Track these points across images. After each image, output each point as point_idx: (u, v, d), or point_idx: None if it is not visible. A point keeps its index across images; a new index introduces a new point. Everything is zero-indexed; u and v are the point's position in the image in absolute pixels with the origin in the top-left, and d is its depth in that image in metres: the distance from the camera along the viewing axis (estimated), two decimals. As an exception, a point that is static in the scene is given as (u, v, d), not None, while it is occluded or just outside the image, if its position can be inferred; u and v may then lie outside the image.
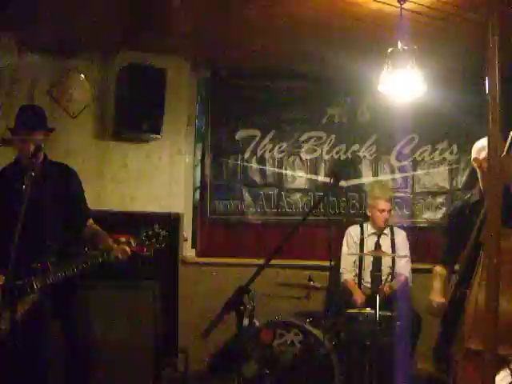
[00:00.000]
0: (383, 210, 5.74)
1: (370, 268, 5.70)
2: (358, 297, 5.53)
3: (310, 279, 5.21)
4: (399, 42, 4.39)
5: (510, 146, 2.93)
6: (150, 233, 3.98)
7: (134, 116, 5.64)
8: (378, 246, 5.67)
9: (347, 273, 5.81)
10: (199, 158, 6.63)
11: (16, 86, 5.56)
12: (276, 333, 4.86)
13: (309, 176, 6.67)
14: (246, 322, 5.58)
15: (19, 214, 3.45)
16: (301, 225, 5.04)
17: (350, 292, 5.63)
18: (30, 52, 5.62)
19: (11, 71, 5.52)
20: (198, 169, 6.63)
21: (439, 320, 3.41)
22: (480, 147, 3.59)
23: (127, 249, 3.94)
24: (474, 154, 3.62)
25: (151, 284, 5.36)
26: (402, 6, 4.46)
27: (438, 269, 3.83)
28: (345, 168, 6.14)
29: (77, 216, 4.22)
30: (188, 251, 6.44)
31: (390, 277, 5.58)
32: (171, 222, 5.88)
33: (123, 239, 3.96)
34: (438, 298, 3.63)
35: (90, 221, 4.28)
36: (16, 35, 5.48)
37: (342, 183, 6.51)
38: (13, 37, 5.49)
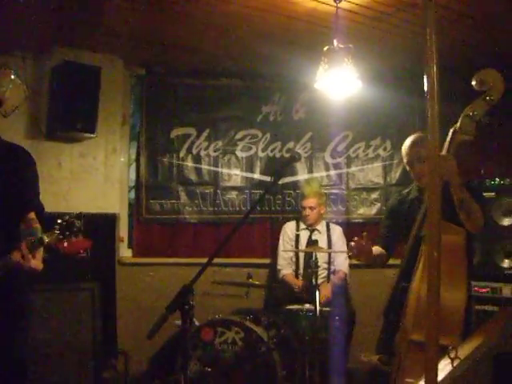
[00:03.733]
0: (306, 207, 5.84)
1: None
2: (297, 283, 5.61)
3: (249, 277, 5.24)
4: (335, 41, 4.43)
5: (449, 143, 3.03)
6: (65, 224, 3.29)
7: (68, 115, 5.51)
8: (310, 241, 5.74)
9: (285, 268, 5.87)
10: (134, 157, 6.56)
11: None
12: (217, 331, 4.86)
13: (244, 174, 6.69)
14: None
15: None
16: (239, 223, 5.17)
17: (290, 285, 5.69)
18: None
19: None
20: (133, 168, 6.56)
21: (382, 313, 3.47)
22: (409, 145, 3.72)
23: (24, 253, 3.29)
24: (404, 154, 3.74)
25: (89, 285, 5.29)
26: (338, 5, 4.51)
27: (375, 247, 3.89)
28: (287, 166, 6.16)
29: (16, 207, 3.65)
30: (125, 251, 6.37)
31: (326, 273, 5.68)
32: (107, 222, 5.84)
33: (23, 245, 3.30)
34: None
35: (31, 215, 3.67)
36: None
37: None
38: None
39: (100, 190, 6.02)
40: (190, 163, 6.57)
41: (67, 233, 3.27)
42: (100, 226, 5.69)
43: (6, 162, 3.63)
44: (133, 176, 6.56)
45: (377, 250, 3.83)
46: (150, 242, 6.55)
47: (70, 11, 4.96)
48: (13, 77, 5.48)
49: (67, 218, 3.29)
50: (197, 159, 6.59)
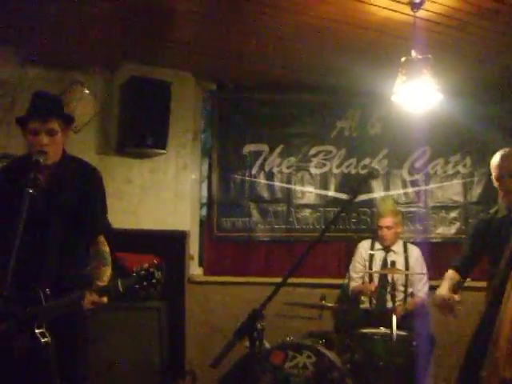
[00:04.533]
0: (383, 227, 5.61)
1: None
2: (368, 288, 5.44)
3: (322, 298, 5.02)
4: (413, 51, 4.22)
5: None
6: (142, 273, 3.06)
7: (138, 130, 5.47)
8: (385, 262, 5.49)
9: (355, 280, 5.66)
10: (205, 173, 6.45)
11: (17, 101, 5.39)
12: (287, 354, 4.65)
13: (318, 191, 6.48)
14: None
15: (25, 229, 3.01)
16: (314, 242, 4.94)
17: (360, 293, 5.55)
18: (31, 65, 5.45)
19: (13, 85, 5.35)
20: (205, 185, 6.46)
21: (468, 342, 3.24)
22: (499, 159, 3.55)
23: (96, 300, 3.17)
24: (493, 168, 3.58)
25: (157, 304, 5.16)
26: (415, 14, 4.29)
27: (450, 272, 3.77)
28: (365, 182, 5.93)
29: (86, 230, 3.51)
30: (195, 270, 6.24)
31: (402, 296, 5.43)
32: (177, 239, 5.73)
33: (101, 283, 3.26)
34: (442, 291, 3.61)
35: (100, 238, 3.57)
36: (18, 48, 5.33)
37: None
38: (14, 49, 5.34)
39: (170, 206, 5.93)
40: (262, 180, 6.41)
41: (144, 283, 3.05)
42: (170, 244, 5.60)
43: (73, 180, 3.50)
44: (204, 193, 6.44)
45: (451, 279, 3.71)
46: (221, 261, 6.41)
47: (141, 26, 4.92)
48: (84, 92, 5.46)
49: (146, 266, 3.08)
50: (269, 176, 6.42)
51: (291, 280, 5.38)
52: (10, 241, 3.35)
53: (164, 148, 5.58)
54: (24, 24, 4.77)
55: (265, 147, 6.44)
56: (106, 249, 3.55)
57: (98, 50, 5.35)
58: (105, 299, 3.20)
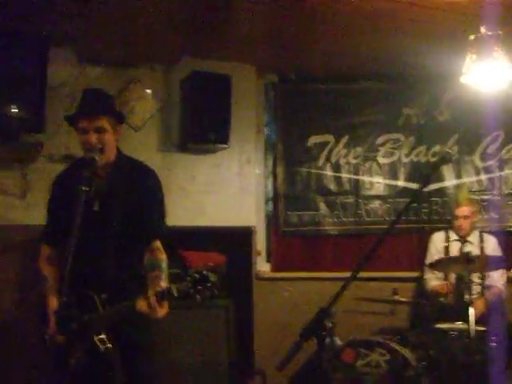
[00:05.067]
0: (458, 217, 5.40)
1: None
2: (444, 287, 5.25)
3: (394, 292, 4.83)
4: (482, 28, 3.97)
5: None
6: (197, 276, 2.96)
7: (200, 126, 5.36)
8: (462, 253, 5.24)
9: (433, 281, 5.42)
10: (270, 167, 6.31)
11: (75, 101, 5.35)
12: (359, 352, 4.49)
13: (387, 181, 6.28)
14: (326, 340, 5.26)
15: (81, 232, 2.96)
16: (385, 234, 4.77)
17: (439, 294, 5.31)
18: (90, 64, 5.41)
19: (72, 85, 5.31)
20: (270, 179, 6.31)
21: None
22: None
23: (153, 304, 3.05)
24: None
25: (224, 302, 5.04)
26: (485, -13, 4.05)
27: None
28: (437, 168, 5.66)
29: (141, 235, 3.39)
30: (262, 266, 6.10)
31: (479, 288, 5.18)
32: (243, 235, 5.62)
33: (159, 288, 3.10)
34: None
35: (156, 244, 3.42)
36: (76, 47, 5.29)
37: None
38: (73, 49, 5.30)
39: (235, 202, 5.82)
40: (328, 172, 6.24)
41: (199, 287, 2.95)
42: (236, 240, 5.50)
43: (128, 182, 3.39)
44: (269, 187, 6.30)
45: None
46: (289, 256, 6.26)
47: (200, 20, 4.82)
48: (143, 90, 5.40)
49: (202, 270, 2.99)
50: (336, 167, 6.25)
51: (361, 274, 5.25)
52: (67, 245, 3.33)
53: (226, 143, 5.46)
54: (79, 22, 4.72)
55: (330, 138, 6.26)
56: (162, 255, 3.41)
57: (157, 46, 5.25)
58: (165, 303, 3.09)
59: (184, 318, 4.72)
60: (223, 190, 5.77)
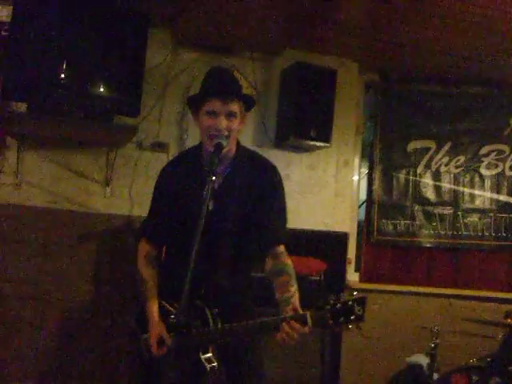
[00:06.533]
0: None
1: None
2: None
3: (507, 315, 4.41)
4: None
5: None
6: (339, 306, 2.47)
7: (301, 121, 5.00)
8: None
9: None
10: (365, 170, 5.94)
11: (170, 86, 5.09)
12: (471, 380, 4.08)
13: (489, 194, 5.87)
14: (424, 360, 4.89)
15: (193, 232, 2.55)
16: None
17: None
18: (185, 49, 5.17)
19: (165, 70, 5.06)
20: (364, 183, 5.94)
21: None
22: None
23: (294, 334, 2.55)
24: None
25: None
26: None
27: None
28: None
29: (262, 239, 2.97)
30: (351, 275, 5.73)
31: None
32: (337, 242, 5.25)
33: (292, 312, 2.59)
34: None
35: (280, 248, 2.96)
36: (170, 30, 5.05)
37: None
38: (167, 32, 5.07)
39: (330, 206, 5.48)
40: (428, 180, 5.85)
41: (341, 319, 2.47)
42: (329, 246, 5.14)
43: (249, 179, 2.99)
44: (363, 192, 5.93)
45: None
46: (380, 266, 5.89)
47: (306, 9, 4.50)
48: (240, 79, 5.08)
49: (347, 300, 2.49)
50: (436, 176, 5.87)
51: (472, 293, 4.90)
52: (177, 244, 2.98)
53: (328, 141, 5.09)
54: (179, 5, 4.48)
55: (431, 144, 5.89)
56: (288, 260, 2.95)
57: (258, 34, 4.94)
58: (306, 329, 2.56)
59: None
60: (319, 192, 5.43)
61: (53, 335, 4.73)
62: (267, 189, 3.00)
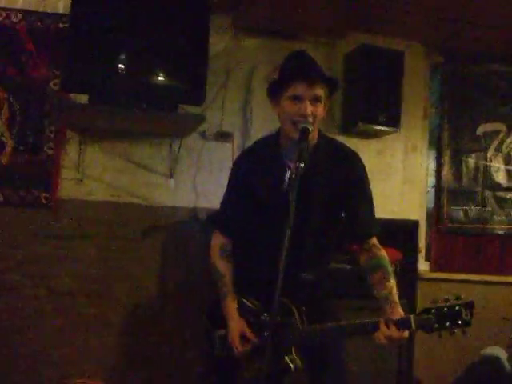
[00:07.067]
0: None
1: None
2: None
3: None
4: None
5: None
6: (447, 311, 2.38)
7: (368, 106, 4.83)
8: None
9: None
10: (433, 156, 5.71)
11: (232, 74, 4.96)
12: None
13: (563, 177, 5.60)
14: (502, 355, 4.68)
15: (272, 224, 2.55)
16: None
17: None
18: (246, 35, 5.02)
19: (226, 57, 4.93)
20: (432, 169, 5.71)
21: None
22: None
23: (395, 335, 2.46)
24: None
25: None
26: None
27: None
28: None
29: (352, 232, 2.88)
30: (422, 265, 5.51)
31: None
32: (407, 230, 5.04)
33: (397, 316, 2.52)
34: None
35: (373, 240, 2.87)
36: (231, 15, 4.90)
37: None
38: (228, 18, 4.92)
39: (398, 193, 5.30)
40: (499, 164, 5.60)
41: (447, 324, 2.39)
42: (399, 235, 4.93)
43: (333, 169, 2.83)
44: (431, 178, 5.71)
45: None
46: (450, 255, 5.66)
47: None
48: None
49: (454, 305, 2.40)
50: (507, 160, 5.62)
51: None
52: (253, 237, 2.86)
53: (397, 126, 4.90)
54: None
55: (502, 127, 5.64)
56: (382, 252, 2.83)
57: (321, 18, 4.75)
58: (406, 334, 2.48)
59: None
60: (387, 179, 5.24)
61: (119, 332, 4.64)
62: (355, 179, 2.88)
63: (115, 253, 4.63)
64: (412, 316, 2.43)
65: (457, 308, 2.36)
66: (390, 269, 2.72)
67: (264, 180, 2.84)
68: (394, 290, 2.65)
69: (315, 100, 2.65)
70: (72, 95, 4.40)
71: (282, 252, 2.36)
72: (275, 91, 2.77)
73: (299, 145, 2.55)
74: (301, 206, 2.49)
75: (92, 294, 4.59)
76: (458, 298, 2.39)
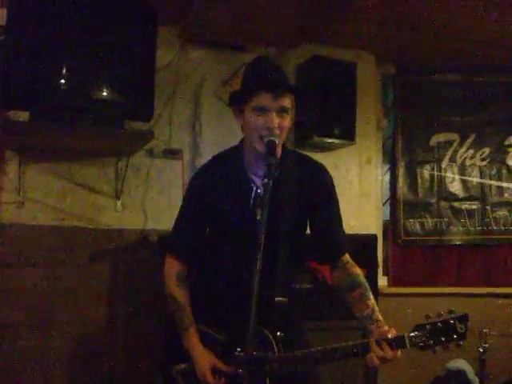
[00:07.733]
0: None
1: None
2: None
3: None
4: None
5: None
6: (440, 326, 2.22)
7: (322, 119, 4.68)
8: None
9: None
10: (388, 168, 5.61)
11: (179, 87, 4.76)
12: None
13: (518, 187, 5.56)
14: (467, 367, 4.60)
15: (235, 245, 2.43)
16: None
17: None
18: (194, 47, 4.83)
19: (173, 70, 4.74)
20: (386, 181, 5.61)
21: None
22: None
23: (388, 356, 2.25)
24: None
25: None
26: None
27: None
28: None
29: (325, 249, 2.72)
30: (379, 280, 5.36)
31: None
32: (366, 245, 4.89)
33: (389, 334, 2.30)
34: None
35: (346, 257, 2.71)
36: (177, 28, 4.72)
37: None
38: (174, 30, 4.74)
39: (355, 207, 5.16)
40: (453, 175, 5.53)
41: (442, 339, 2.21)
42: (357, 249, 4.78)
43: (300, 184, 2.64)
44: (386, 190, 5.61)
45: None
46: (408, 269, 5.55)
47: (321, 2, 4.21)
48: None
49: (448, 319, 2.23)
50: (461, 170, 5.55)
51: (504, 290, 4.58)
52: (214, 260, 2.67)
53: (352, 139, 4.76)
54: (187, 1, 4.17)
55: (455, 137, 5.57)
56: (356, 269, 2.66)
57: (272, 29, 4.61)
58: (399, 353, 2.28)
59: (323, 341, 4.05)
60: (343, 193, 5.07)
61: (66, 365, 4.35)
62: (323, 194, 2.70)
63: (61, 280, 4.35)
64: (405, 334, 2.26)
65: (451, 322, 2.21)
66: (367, 286, 2.55)
67: (227, 196, 2.63)
68: (376, 307, 2.49)
69: (282, 111, 2.46)
70: (11, 112, 4.12)
71: (252, 275, 2.16)
72: (238, 101, 2.56)
73: (266, 160, 2.35)
74: (269, 225, 2.28)
75: (37, 325, 4.30)
76: (450, 312, 2.22)
